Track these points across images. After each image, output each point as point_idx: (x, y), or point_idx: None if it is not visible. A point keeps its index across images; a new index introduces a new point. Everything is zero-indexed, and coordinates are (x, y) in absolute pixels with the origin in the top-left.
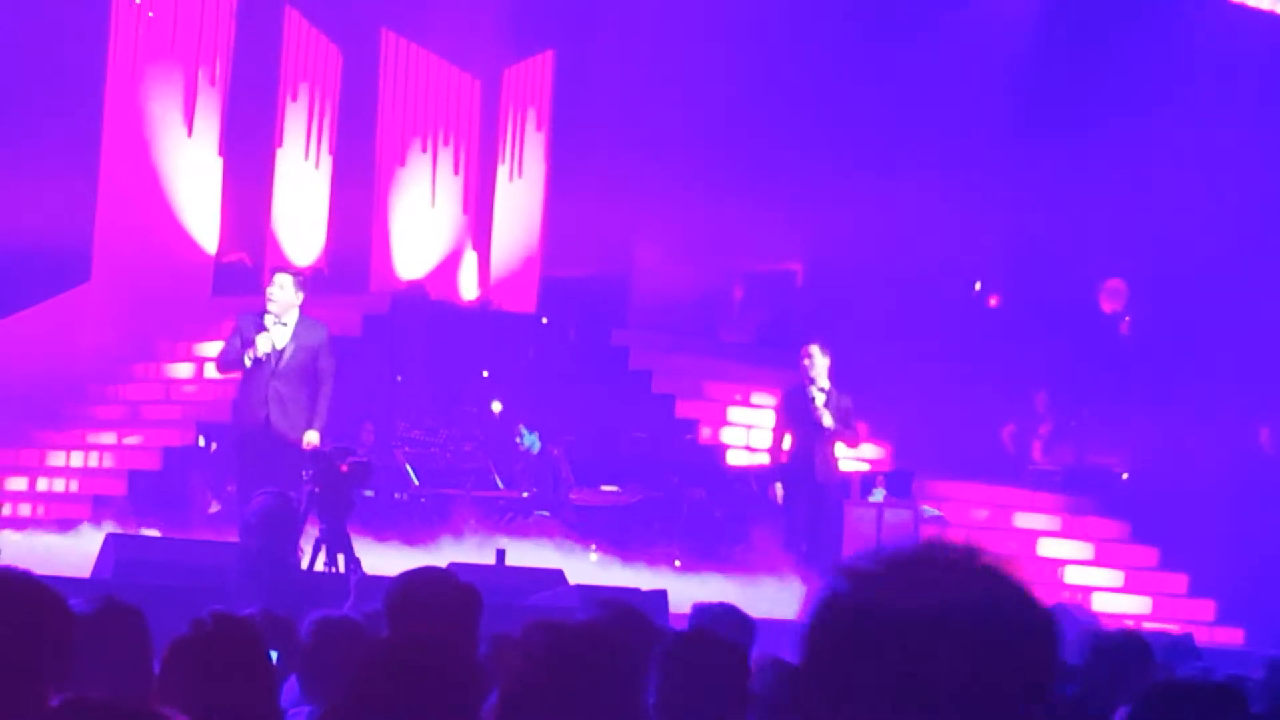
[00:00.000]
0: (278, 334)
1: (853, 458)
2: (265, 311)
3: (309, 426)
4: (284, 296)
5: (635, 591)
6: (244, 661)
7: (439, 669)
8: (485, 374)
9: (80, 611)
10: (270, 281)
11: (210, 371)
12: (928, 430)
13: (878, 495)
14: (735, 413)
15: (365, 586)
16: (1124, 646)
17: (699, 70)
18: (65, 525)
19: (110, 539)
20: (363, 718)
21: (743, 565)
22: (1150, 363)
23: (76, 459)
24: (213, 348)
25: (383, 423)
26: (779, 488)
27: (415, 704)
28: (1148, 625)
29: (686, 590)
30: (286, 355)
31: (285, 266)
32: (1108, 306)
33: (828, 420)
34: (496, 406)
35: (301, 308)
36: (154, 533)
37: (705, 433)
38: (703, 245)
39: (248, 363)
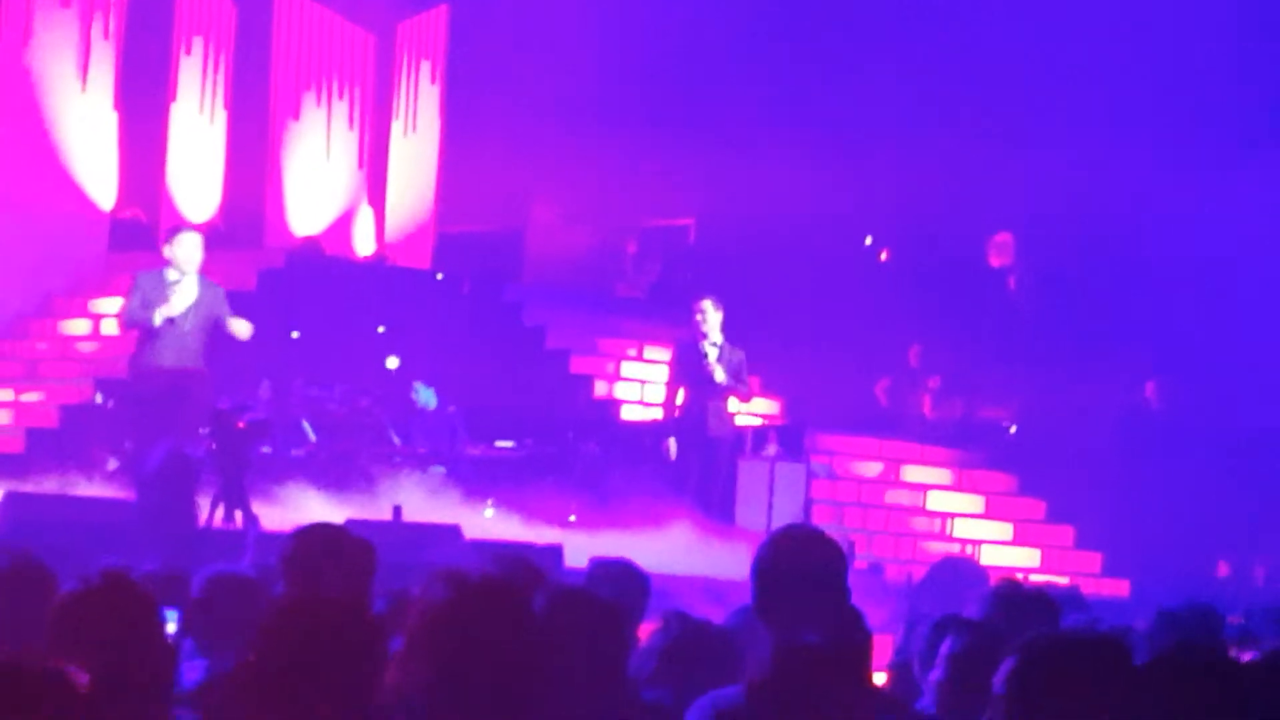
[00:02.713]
0: (185, 292)
1: (745, 412)
2: (165, 267)
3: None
4: (193, 255)
5: (530, 546)
6: (130, 616)
7: (339, 626)
8: (381, 330)
9: None
10: (175, 240)
11: (108, 328)
12: (820, 385)
13: (770, 450)
14: (629, 368)
15: (263, 542)
16: (1029, 602)
17: (594, 25)
18: None
19: (8, 496)
20: (264, 678)
21: (636, 520)
22: (1038, 316)
23: None
24: (110, 304)
25: (279, 379)
26: (672, 443)
27: (316, 662)
28: (1035, 578)
29: (581, 545)
30: (192, 313)
31: (187, 225)
32: (996, 260)
33: (720, 375)
34: (392, 362)
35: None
36: (52, 490)
37: (599, 388)
38: (597, 201)
39: (158, 321)
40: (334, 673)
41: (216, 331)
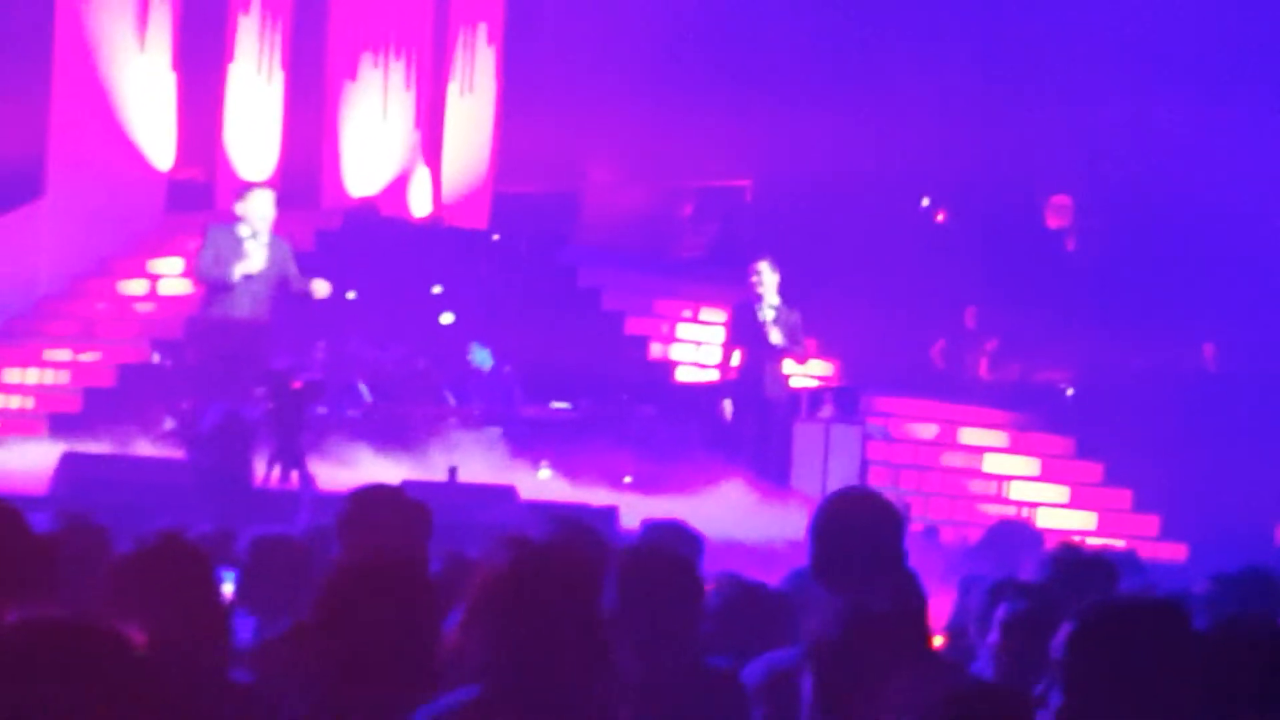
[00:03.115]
0: (259, 250)
1: (801, 374)
2: (236, 222)
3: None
4: (266, 211)
5: (586, 507)
6: (186, 577)
7: (397, 587)
8: (437, 290)
9: (45, 530)
10: (246, 197)
11: (165, 288)
12: (876, 346)
13: (826, 412)
14: (684, 329)
15: (318, 503)
16: (1087, 566)
17: None
18: (21, 442)
19: (66, 456)
20: (324, 639)
21: (691, 482)
22: (1095, 278)
23: (32, 376)
24: (168, 264)
25: (335, 340)
26: (728, 404)
27: (376, 622)
28: (1092, 541)
29: (635, 506)
30: (265, 270)
31: (255, 184)
32: (1053, 222)
33: (776, 337)
34: (446, 317)
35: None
36: (109, 450)
37: (655, 349)
38: (653, 162)
39: (237, 277)
40: (393, 632)
41: (282, 287)
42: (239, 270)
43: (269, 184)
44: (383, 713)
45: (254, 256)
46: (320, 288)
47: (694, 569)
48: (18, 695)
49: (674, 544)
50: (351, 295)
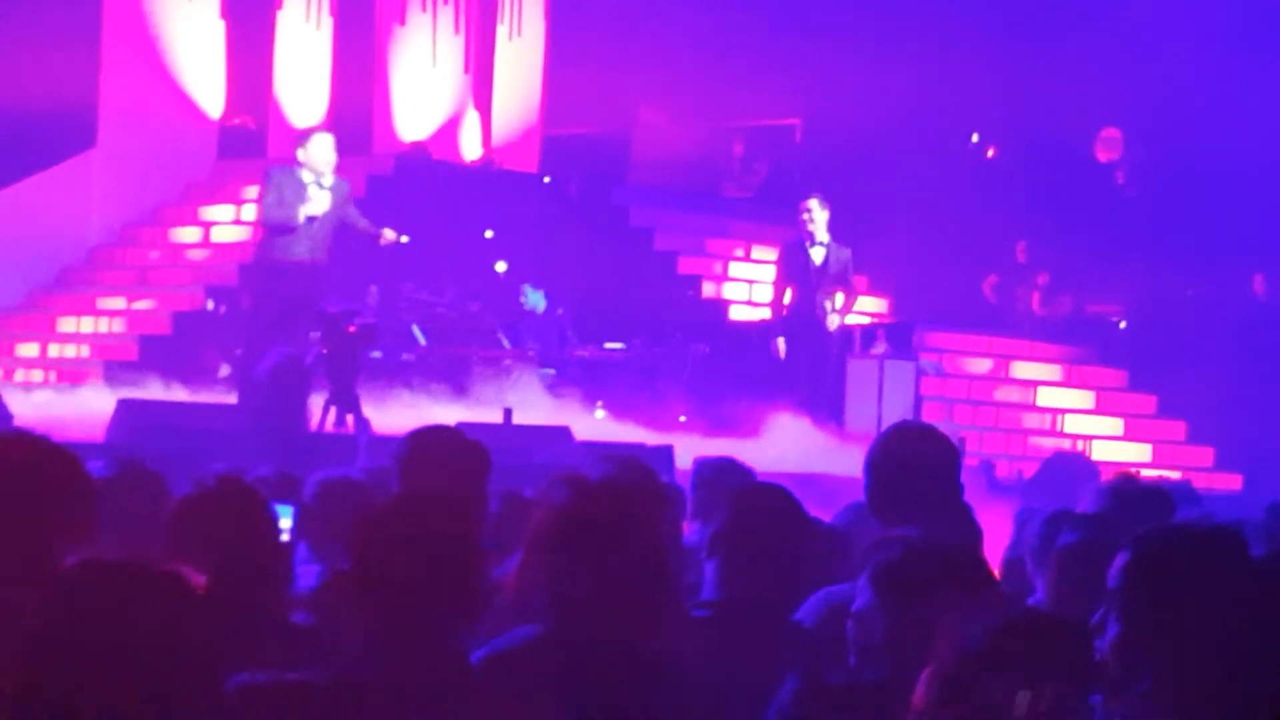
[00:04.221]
0: (322, 195)
1: (854, 311)
2: (297, 166)
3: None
4: (328, 155)
5: (641, 447)
6: (245, 519)
7: (426, 524)
8: (489, 234)
9: (100, 475)
10: (308, 142)
11: (218, 235)
12: (927, 282)
13: (879, 348)
14: (737, 268)
15: (374, 446)
16: (1144, 496)
17: None
18: (77, 390)
19: (122, 404)
20: (367, 578)
21: (745, 420)
22: (1145, 212)
23: (87, 324)
24: (219, 211)
25: (388, 284)
26: (781, 342)
27: (408, 562)
28: (1147, 473)
29: (691, 445)
30: (327, 212)
31: (314, 129)
32: (1103, 156)
33: (834, 323)
34: (501, 266)
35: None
36: (165, 396)
37: (708, 289)
38: (703, 102)
39: (301, 218)
40: (429, 569)
41: (342, 229)
42: (303, 213)
43: (322, 128)
44: (434, 647)
45: (317, 199)
46: (389, 235)
47: (799, 507)
48: (79, 636)
49: (728, 481)
50: (404, 239)
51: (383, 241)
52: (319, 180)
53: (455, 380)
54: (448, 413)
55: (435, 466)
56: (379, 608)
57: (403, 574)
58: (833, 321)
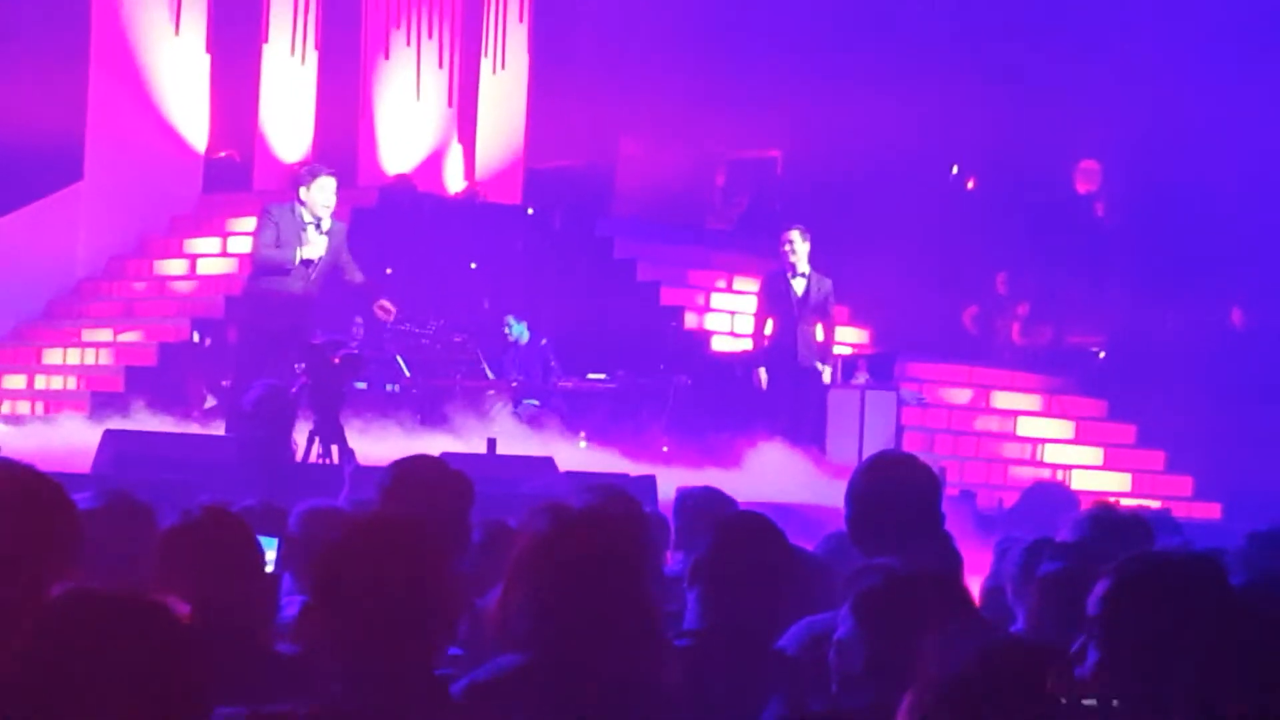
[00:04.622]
0: (319, 240)
1: (835, 342)
2: (295, 202)
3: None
4: (331, 200)
5: (624, 477)
6: (232, 549)
7: (378, 551)
8: (473, 265)
9: (87, 506)
10: (314, 183)
11: (203, 268)
12: (908, 313)
13: (860, 378)
14: (719, 299)
15: (359, 476)
16: (1123, 525)
17: None
18: (64, 421)
19: (108, 434)
20: (334, 606)
21: (728, 450)
22: (1124, 243)
23: (73, 356)
24: (205, 244)
25: (373, 316)
26: (763, 373)
27: (367, 592)
28: (1127, 502)
29: (674, 475)
30: (323, 258)
31: (321, 168)
32: (1083, 187)
33: (826, 377)
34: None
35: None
36: (151, 427)
37: (690, 319)
38: (685, 134)
39: (297, 260)
40: (394, 593)
41: (334, 271)
42: (300, 256)
43: (306, 162)
44: (413, 676)
45: (315, 244)
46: (387, 306)
47: (782, 536)
48: (64, 667)
49: (709, 510)
50: (389, 271)
51: (376, 309)
52: (318, 223)
53: (439, 411)
54: (432, 443)
55: (417, 495)
56: (346, 638)
57: (362, 602)
58: (826, 375)
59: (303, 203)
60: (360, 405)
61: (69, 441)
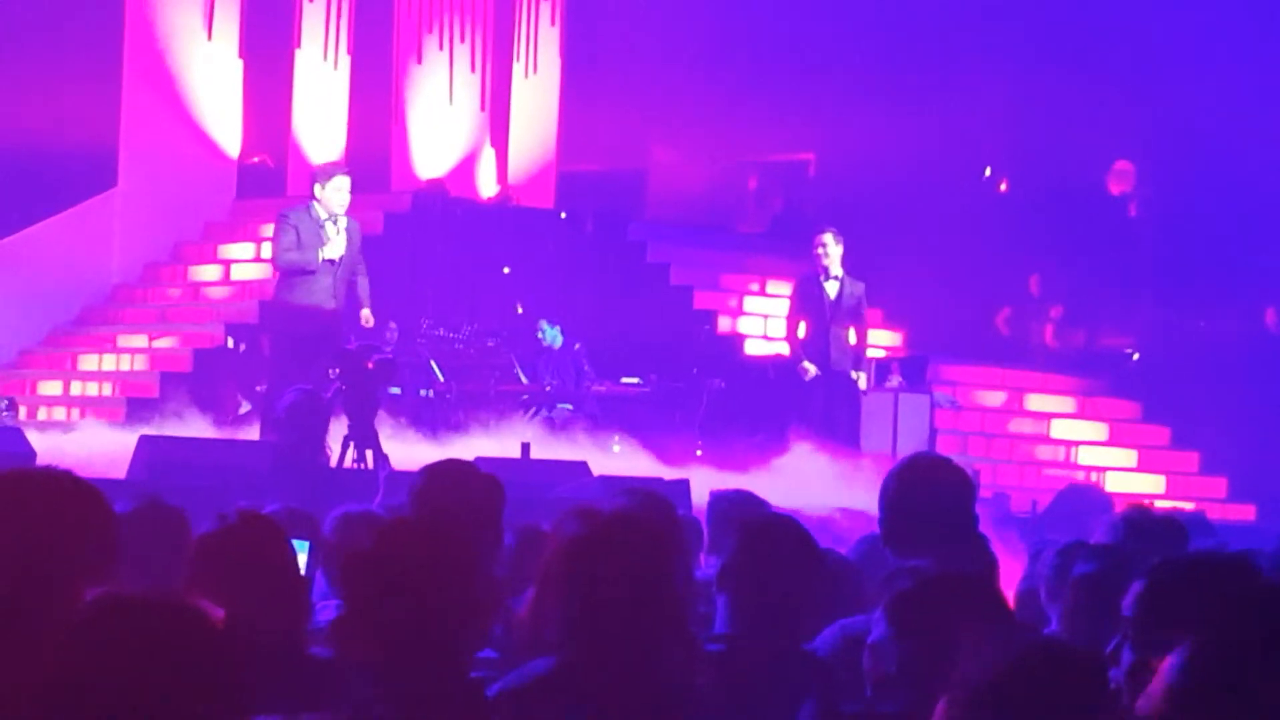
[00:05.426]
0: (339, 238)
1: (868, 344)
2: (310, 204)
3: (362, 308)
4: (346, 198)
5: (658, 481)
6: (268, 554)
7: (405, 561)
8: (506, 270)
9: (122, 511)
10: (329, 182)
11: (237, 273)
12: (942, 316)
13: (894, 381)
14: (752, 303)
15: (393, 481)
16: (1158, 527)
17: None
18: (99, 427)
19: (144, 440)
20: (363, 613)
21: (761, 453)
22: (1158, 244)
23: (109, 362)
24: (239, 249)
25: (407, 320)
26: (809, 365)
27: (398, 602)
28: (1160, 504)
29: (707, 479)
30: (344, 256)
31: (338, 166)
32: (1116, 188)
33: (862, 384)
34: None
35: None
36: (186, 433)
37: (723, 323)
38: (717, 138)
39: (320, 260)
40: (422, 597)
41: (353, 270)
42: (323, 255)
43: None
44: (446, 681)
45: (335, 242)
46: (367, 316)
47: (809, 537)
48: (99, 672)
49: (742, 514)
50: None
51: (363, 319)
52: (334, 220)
53: (473, 416)
54: (466, 448)
55: (450, 499)
56: (380, 642)
57: (395, 607)
58: (861, 381)
59: (318, 201)
60: (394, 410)
61: (104, 447)
